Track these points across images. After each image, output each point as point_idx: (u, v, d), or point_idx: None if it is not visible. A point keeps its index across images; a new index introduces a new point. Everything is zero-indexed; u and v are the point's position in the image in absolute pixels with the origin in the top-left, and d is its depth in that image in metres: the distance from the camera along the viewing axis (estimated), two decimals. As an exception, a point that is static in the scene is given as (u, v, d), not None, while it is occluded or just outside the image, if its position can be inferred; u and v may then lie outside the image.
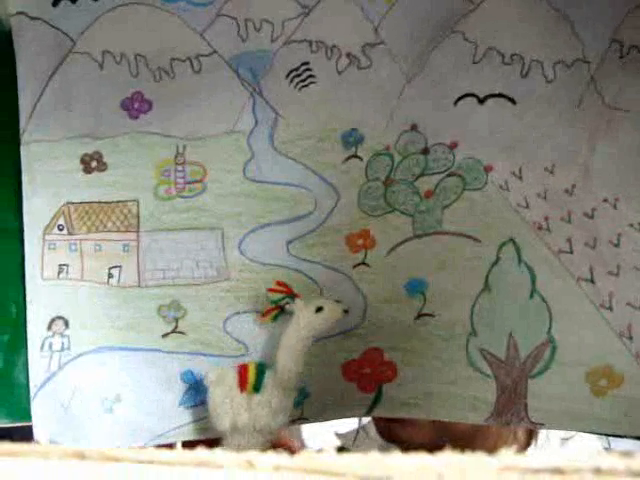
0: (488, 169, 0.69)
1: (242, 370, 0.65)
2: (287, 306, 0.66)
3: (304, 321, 0.64)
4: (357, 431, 0.84)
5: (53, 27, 0.68)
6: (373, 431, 0.82)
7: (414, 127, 0.69)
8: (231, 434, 0.64)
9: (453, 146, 0.69)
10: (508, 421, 0.69)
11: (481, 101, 0.69)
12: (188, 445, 0.69)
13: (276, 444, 0.73)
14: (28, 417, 0.67)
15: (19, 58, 0.68)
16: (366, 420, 0.86)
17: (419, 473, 0.22)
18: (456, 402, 0.69)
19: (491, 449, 0.22)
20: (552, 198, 0.68)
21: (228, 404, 0.64)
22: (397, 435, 0.74)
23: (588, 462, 0.21)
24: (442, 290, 0.70)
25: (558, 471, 0.21)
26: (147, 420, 0.68)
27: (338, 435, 0.88)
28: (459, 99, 0.69)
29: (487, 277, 0.69)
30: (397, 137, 0.69)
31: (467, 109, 0.69)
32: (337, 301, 0.66)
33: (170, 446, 0.71)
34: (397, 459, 0.23)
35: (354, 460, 0.22)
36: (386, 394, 0.71)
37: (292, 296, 0.67)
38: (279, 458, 0.23)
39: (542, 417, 0.67)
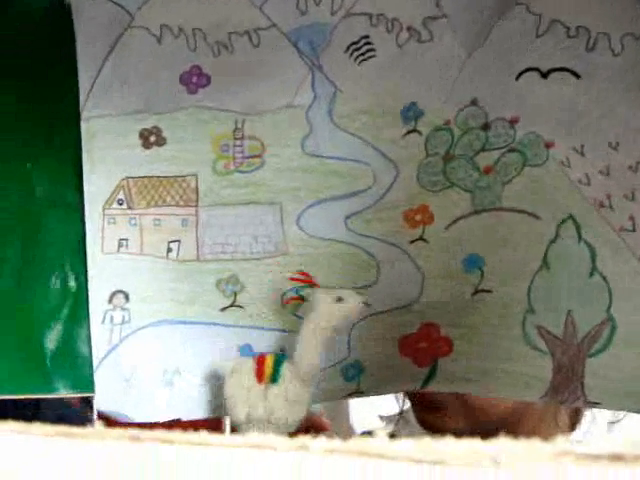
0: (549, 145, 0.68)
1: (260, 360, 0.65)
2: (308, 297, 0.66)
3: (323, 311, 0.64)
4: (399, 415, 0.84)
5: (111, 2, 0.68)
6: (411, 417, 0.82)
7: (474, 102, 0.68)
8: (246, 425, 0.63)
9: (514, 121, 0.68)
10: (564, 400, 0.68)
11: (544, 75, 0.67)
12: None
13: (309, 426, 0.73)
14: (91, 388, 0.68)
15: (78, 34, 0.68)
16: (407, 406, 0.86)
17: (473, 458, 0.21)
18: (511, 379, 0.69)
19: (530, 435, 0.22)
20: (615, 175, 0.67)
21: (245, 394, 0.63)
22: (431, 422, 0.74)
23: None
24: (500, 267, 0.69)
25: (618, 457, 0.21)
26: (206, 393, 0.69)
27: (381, 417, 0.89)
28: (521, 73, 0.68)
29: (546, 254, 0.68)
30: (457, 112, 0.68)
31: (529, 84, 0.67)
32: (358, 293, 0.66)
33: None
34: (451, 444, 0.22)
35: (407, 445, 0.22)
36: (441, 369, 0.71)
37: (312, 285, 0.66)
38: (332, 442, 0.23)
39: (599, 397, 0.67)
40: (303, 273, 0.66)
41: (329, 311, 0.63)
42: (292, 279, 0.66)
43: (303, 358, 0.63)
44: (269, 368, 0.64)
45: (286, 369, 0.64)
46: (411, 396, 0.79)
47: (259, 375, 0.64)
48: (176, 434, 0.24)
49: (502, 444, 0.22)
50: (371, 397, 0.74)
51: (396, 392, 0.78)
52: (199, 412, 0.69)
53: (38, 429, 0.26)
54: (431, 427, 0.77)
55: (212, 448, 0.23)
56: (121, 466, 0.23)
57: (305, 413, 0.64)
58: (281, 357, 0.65)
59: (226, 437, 0.24)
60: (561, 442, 0.21)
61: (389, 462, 0.21)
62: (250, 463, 0.23)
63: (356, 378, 0.70)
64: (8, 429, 0.26)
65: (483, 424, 0.74)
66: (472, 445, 0.22)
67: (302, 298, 0.66)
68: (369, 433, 0.86)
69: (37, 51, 0.69)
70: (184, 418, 0.69)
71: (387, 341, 0.70)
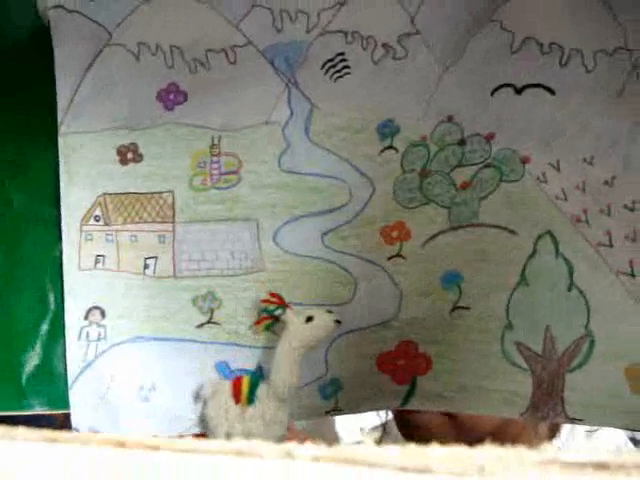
0: (525, 160, 0.68)
1: (236, 382, 0.65)
2: (281, 317, 0.66)
3: (294, 331, 0.64)
4: (382, 428, 0.84)
5: (90, 19, 0.68)
6: (395, 429, 0.82)
7: (450, 118, 0.68)
8: None
9: (490, 137, 0.68)
10: (545, 416, 0.68)
11: (519, 91, 0.68)
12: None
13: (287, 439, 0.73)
14: (67, 405, 0.68)
15: (57, 51, 0.68)
16: (389, 417, 0.86)
17: (459, 464, 0.21)
18: (491, 396, 0.69)
19: (512, 445, 0.22)
20: (591, 190, 0.67)
21: (223, 416, 0.64)
22: (416, 437, 0.74)
23: (634, 457, 0.21)
24: (478, 283, 0.69)
25: (602, 466, 0.21)
26: (183, 409, 0.69)
27: (363, 430, 0.88)
28: (496, 89, 0.68)
29: (524, 270, 0.68)
30: (433, 128, 0.69)
31: (504, 99, 0.68)
32: (329, 311, 0.65)
33: (204, 435, 0.71)
34: (437, 451, 0.22)
35: (393, 451, 0.22)
36: (420, 386, 0.71)
37: (284, 307, 0.66)
38: (318, 449, 0.23)
39: (579, 412, 0.66)
40: (274, 294, 0.66)
41: (300, 331, 0.63)
42: (264, 301, 0.66)
43: (279, 378, 0.63)
44: (245, 389, 0.64)
45: (262, 389, 0.64)
46: (395, 411, 0.78)
47: (236, 396, 0.64)
48: (162, 440, 0.24)
49: (488, 451, 0.21)
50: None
51: (375, 410, 0.78)
52: (175, 428, 0.68)
53: (22, 434, 0.25)
54: (414, 439, 0.76)
55: (198, 455, 0.23)
56: (106, 472, 0.23)
57: (284, 432, 0.64)
58: (257, 378, 0.65)
59: (212, 443, 0.24)
60: (546, 450, 0.21)
61: (375, 469, 0.21)
62: (236, 470, 0.23)
63: (334, 396, 0.70)
64: None
65: (469, 438, 0.74)
66: (458, 452, 0.22)
67: (274, 318, 0.66)
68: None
69: (15, 67, 0.70)
70: (160, 434, 0.68)
71: (365, 358, 0.70)
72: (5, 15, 0.70)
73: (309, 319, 0.63)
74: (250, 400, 0.63)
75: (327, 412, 0.71)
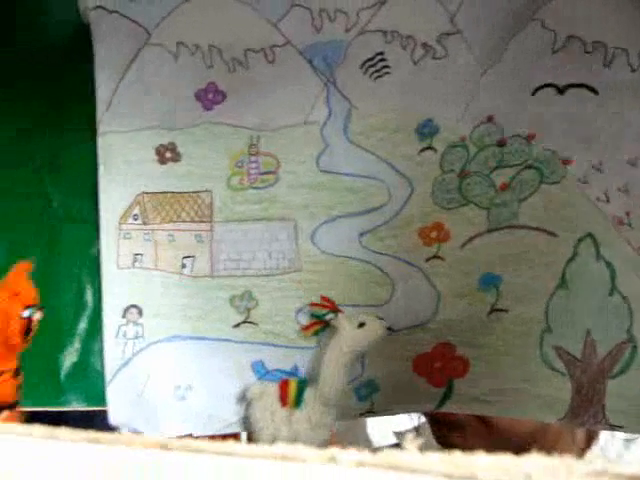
0: (567, 162, 0.67)
1: (283, 385, 0.66)
2: (331, 321, 0.66)
3: (346, 336, 0.64)
4: (415, 431, 0.83)
5: (129, 19, 0.69)
6: (428, 432, 0.81)
7: (490, 118, 0.68)
8: None
9: (530, 138, 0.67)
10: (584, 422, 0.67)
11: (561, 91, 0.66)
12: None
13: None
14: (104, 402, 0.68)
15: (97, 51, 0.69)
16: (421, 421, 0.85)
17: (506, 473, 0.21)
18: (529, 400, 0.68)
19: (548, 452, 0.21)
20: (634, 192, 0.66)
21: (269, 419, 0.64)
22: (451, 441, 0.73)
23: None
24: (517, 285, 0.68)
25: None
26: (218, 409, 0.69)
27: (396, 434, 0.87)
28: (537, 89, 0.67)
29: (564, 273, 0.67)
30: (473, 128, 0.68)
31: (546, 100, 0.67)
32: (380, 318, 0.66)
33: (235, 436, 0.71)
34: (482, 458, 0.22)
35: (438, 458, 0.22)
36: (457, 389, 0.70)
37: (335, 311, 0.66)
38: (362, 454, 0.22)
39: (621, 419, 0.65)
40: (325, 298, 0.66)
41: (352, 336, 0.63)
42: (314, 304, 0.66)
43: (326, 382, 0.63)
44: (293, 392, 0.64)
45: (309, 393, 0.64)
46: (429, 414, 0.77)
47: (283, 399, 0.64)
48: (205, 443, 0.24)
49: (535, 460, 0.21)
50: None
51: (410, 412, 0.77)
52: (210, 428, 0.69)
53: (64, 434, 0.25)
54: (450, 445, 0.75)
55: (241, 458, 0.23)
56: (148, 474, 0.23)
57: (329, 436, 0.64)
58: (304, 382, 0.65)
59: (255, 447, 0.23)
60: (594, 460, 0.21)
61: (419, 476, 0.21)
62: (279, 474, 0.22)
63: (369, 397, 0.69)
64: (36, 434, 0.26)
65: (504, 443, 0.73)
66: (504, 460, 0.21)
67: (324, 323, 0.66)
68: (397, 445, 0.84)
69: (56, 66, 0.70)
70: (195, 433, 0.68)
71: (402, 360, 0.69)
72: (47, 16, 0.70)
73: (361, 325, 0.63)
74: (297, 403, 0.63)
75: (362, 414, 0.70)
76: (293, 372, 0.68)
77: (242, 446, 0.24)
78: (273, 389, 0.65)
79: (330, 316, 0.65)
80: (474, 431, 0.71)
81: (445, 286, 0.69)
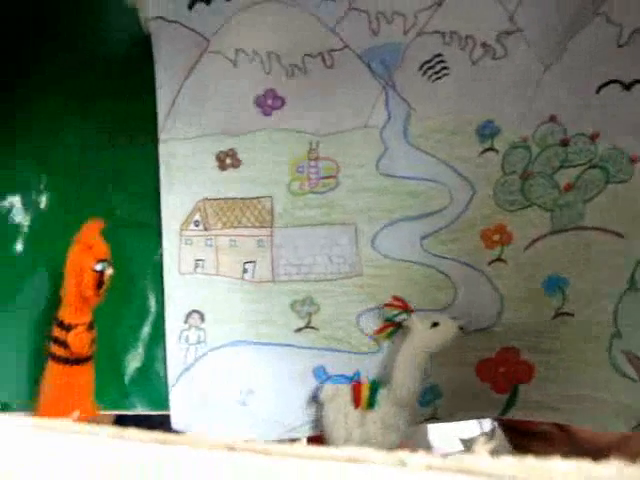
0: (634, 160, 0.65)
1: (356, 386, 0.65)
2: (404, 322, 0.65)
3: (419, 337, 0.63)
4: (488, 436, 0.81)
5: (189, 29, 0.70)
6: (501, 439, 0.79)
7: (553, 118, 0.66)
8: None
9: (595, 136, 0.66)
10: (658, 430, 0.64)
11: (627, 87, 0.65)
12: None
13: None
14: (166, 406, 0.69)
15: (157, 60, 0.70)
16: (488, 427, 0.83)
17: None
18: (598, 407, 0.66)
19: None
20: None
21: (342, 420, 0.64)
22: (529, 449, 0.71)
23: None
24: (583, 288, 0.67)
25: None
26: (280, 414, 0.69)
27: (462, 441, 0.86)
28: (602, 86, 0.65)
29: (632, 275, 0.65)
30: (535, 128, 0.67)
31: (611, 97, 0.65)
32: (453, 318, 0.65)
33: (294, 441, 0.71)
34: (559, 464, 0.21)
35: (511, 463, 0.21)
36: (522, 395, 0.68)
37: (408, 311, 0.65)
38: (432, 458, 0.22)
39: None
40: (398, 298, 0.66)
41: (426, 337, 0.63)
42: (387, 305, 0.66)
43: (400, 384, 0.63)
44: (366, 394, 0.63)
45: (382, 394, 0.63)
46: (505, 422, 0.76)
47: (356, 401, 0.64)
48: (272, 445, 0.24)
49: (614, 468, 0.20)
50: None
51: (473, 419, 0.76)
52: (272, 433, 0.68)
53: (133, 434, 0.26)
54: (525, 450, 0.73)
55: (309, 460, 0.23)
56: (215, 475, 0.23)
57: (400, 439, 0.63)
58: (377, 383, 0.65)
59: (322, 449, 0.23)
60: None
61: None
62: (348, 477, 0.22)
63: (432, 403, 0.68)
64: (104, 434, 0.26)
65: (585, 452, 0.70)
66: (582, 467, 0.20)
67: (397, 325, 0.65)
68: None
69: (118, 76, 0.72)
70: (258, 438, 0.68)
71: (465, 365, 0.68)
72: (109, 27, 0.72)
73: (434, 324, 0.63)
74: (371, 405, 0.63)
75: (425, 419, 0.69)
76: (355, 377, 0.67)
77: (309, 448, 0.23)
78: (346, 390, 0.64)
79: (402, 317, 0.65)
80: (554, 440, 0.69)
81: (508, 289, 0.68)
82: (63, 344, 0.61)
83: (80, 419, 0.60)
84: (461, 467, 0.21)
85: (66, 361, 0.61)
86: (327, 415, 0.64)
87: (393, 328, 0.66)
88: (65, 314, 0.61)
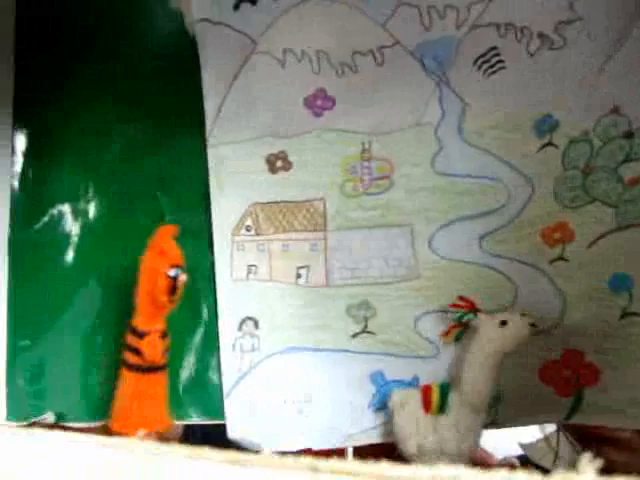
0: None
1: (426, 390, 0.63)
2: (471, 322, 0.63)
3: (488, 336, 0.61)
4: (545, 442, 0.79)
5: (235, 30, 0.68)
6: (564, 444, 0.77)
7: (616, 109, 0.63)
8: (418, 457, 0.61)
9: (661, 128, 0.63)
10: None
11: (693, 76, 0.62)
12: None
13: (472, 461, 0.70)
14: (221, 415, 0.68)
15: (203, 63, 0.69)
16: (549, 431, 0.81)
17: None
18: None
19: None
20: None
21: (414, 426, 0.62)
22: (599, 454, 0.67)
23: None
24: (651, 287, 0.64)
25: None
26: (337, 421, 0.67)
27: (522, 445, 0.83)
28: (668, 75, 0.62)
29: (703, 273, 0.62)
30: (596, 121, 0.64)
31: None
32: (523, 314, 0.62)
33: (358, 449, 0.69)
34: None
35: None
36: (587, 399, 0.66)
37: (474, 311, 0.63)
38: (537, 478, 0.20)
39: None
40: (464, 298, 0.64)
41: (495, 336, 0.60)
42: (453, 305, 0.64)
43: (471, 386, 0.61)
44: (436, 398, 0.61)
45: (454, 398, 0.61)
46: (574, 429, 0.73)
47: (426, 406, 0.62)
48: (356, 465, 0.22)
49: None
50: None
51: (536, 424, 0.73)
52: (331, 441, 0.67)
53: (208, 454, 0.24)
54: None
55: None
56: None
57: (478, 443, 0.61)
58: (447, 386, 0.63)
59: (409, 469, 0.21)
60: None
61: None
62: None
63: (493, 408, 0.66)
64: (180, 454, 0.25)
65: None
66: None
67: (464, 325, 0.63)
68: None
69: (164, 81, 0.71)
70: (315, 447, 0.67)
71: (526, 368, 0.66)
72: (155, 31, 0.71)
73: (503, 323, 0.60)
74: (442, 409, 0.60)
75: (485, 426, 0.67)
76: (413, 382, 0.65)
77: (394, 468, 0.22)
78: (415, 395, 0.62)
79: (469, 317, 0.62)
80: (630, 446, 0.66)
81: (571, 289, 0.65)
82: (136, 351, 0.60)
83: (152, 433, 0.59)
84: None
85: (139, 369, 0.60)
86: (398, 422, 0.62)
87: (460, 330, 0.64)
88: (139, 321, 0.61)
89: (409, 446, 0.61)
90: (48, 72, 0.72)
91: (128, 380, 0.60)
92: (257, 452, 0.24)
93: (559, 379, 0.66)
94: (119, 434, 0.59)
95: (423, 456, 0.60)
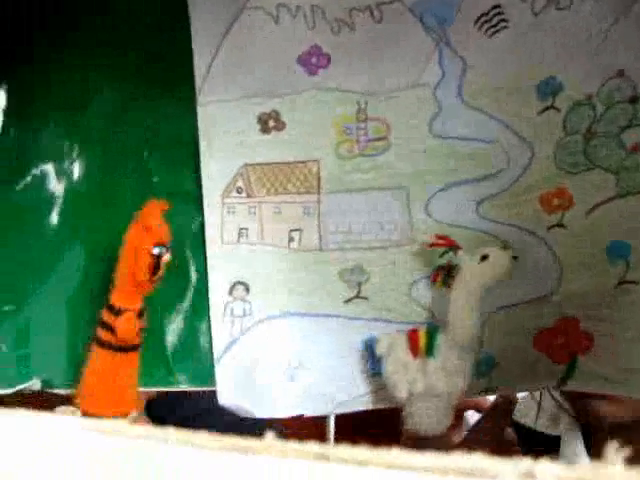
0: None
1: (412, 335, 0.62)
2: (455, 264, 0.61)
3: (469, 273, 0.60)
4: (537, 407, 0.79)
5: None
6: (545, 398, 0.77)
7: (621, 73, 0.62)
8: (409, 402, 0.61)
9: (667, 92, 0.61)
10: None
11: (701, 39, 0.60)
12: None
13: (465, 406, 0.69)
14: (211, 382, 0.66)
15: (193, 18, 0.66)
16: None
17: None
18: None
19: None
20: None
21: (402, 372, 0.61)
22: (595, 413, 0.67)
23: None
24: (649, 255, 0.63)
25: None
26: (328, 388, 0.66)
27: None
28: (675, 38, 0.61)
29: (702, 242, 0.61)
30: (600, 84, 0.62)
31: None
32: (505, 247, 0.61)
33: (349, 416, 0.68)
34: None
35: None
36: (580, 366, 0.65)
37: (455, 249, 0.62)
38: (562, 468, 0.19)
39: None
40: (442, 237, 0.62)
41: (476, 272, 0.59)
42: (432, 244, 0.62)
43: (457, 326, 0.60)
44: (423, 341, 0.60)
45: (441, 340, 0.60)
46: (573, 399, 0.73)
47: (414, 350, 0.61)
48: (370, 453, 0.21)
49: None
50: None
51: (529, 390, 0.73)
52: (322, 408, 0.66)
53: (202, 440, 0.23)
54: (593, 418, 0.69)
55: (413, 472, 0.20)
56: None
57: (466, 384, 0.60)
58: (434, 329, 0.61)
59: (430, 458, 0.20)
60: None
61: None
62: None
63: (488, 374, 0.66)
64: (172, 438, 0.23)
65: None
66: None
67: (447, 269, 0.62)
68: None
69: (151, 37, 0.68)
70: (307, 414, 0.66)
71: (522, 335, 0.65)
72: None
73: (484, 258, 0.59)
74: (429, 352, 0.59)
75: (480, 392, 0.67)
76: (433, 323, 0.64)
77: (414, 457, 0.20)
78: (402, 340, 0.61)
79: (449, 256, 0.61)
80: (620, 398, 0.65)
81: (569, 256, 0.64)
82: (110, 329, 0.58)
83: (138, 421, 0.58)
84: (591, 477, 0.19)
85: (110, 347, 0.58)
86: (387, 368, 0.61)
87: (445, 272, 0.62)
88: (115, 297, 0.59)
89: (400, 391, 0.60)
90: (29, 27, 0.68)
91: (98, 357, 0.59)
92: (260, 436, 0.22)
93: (554, 346, 0.66)
94: (86, 414, 0.57)
95: (414, 400, 0.59)
